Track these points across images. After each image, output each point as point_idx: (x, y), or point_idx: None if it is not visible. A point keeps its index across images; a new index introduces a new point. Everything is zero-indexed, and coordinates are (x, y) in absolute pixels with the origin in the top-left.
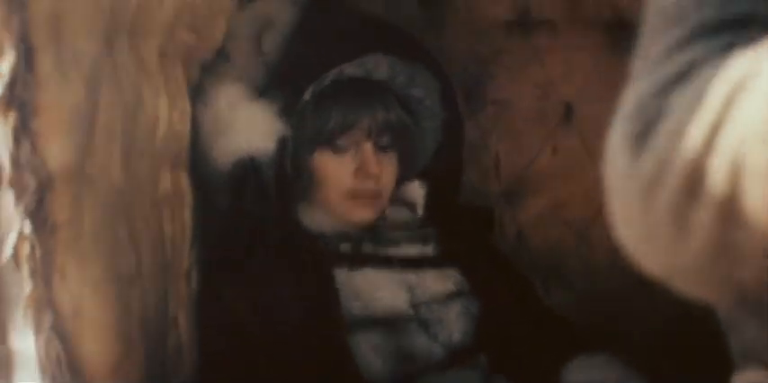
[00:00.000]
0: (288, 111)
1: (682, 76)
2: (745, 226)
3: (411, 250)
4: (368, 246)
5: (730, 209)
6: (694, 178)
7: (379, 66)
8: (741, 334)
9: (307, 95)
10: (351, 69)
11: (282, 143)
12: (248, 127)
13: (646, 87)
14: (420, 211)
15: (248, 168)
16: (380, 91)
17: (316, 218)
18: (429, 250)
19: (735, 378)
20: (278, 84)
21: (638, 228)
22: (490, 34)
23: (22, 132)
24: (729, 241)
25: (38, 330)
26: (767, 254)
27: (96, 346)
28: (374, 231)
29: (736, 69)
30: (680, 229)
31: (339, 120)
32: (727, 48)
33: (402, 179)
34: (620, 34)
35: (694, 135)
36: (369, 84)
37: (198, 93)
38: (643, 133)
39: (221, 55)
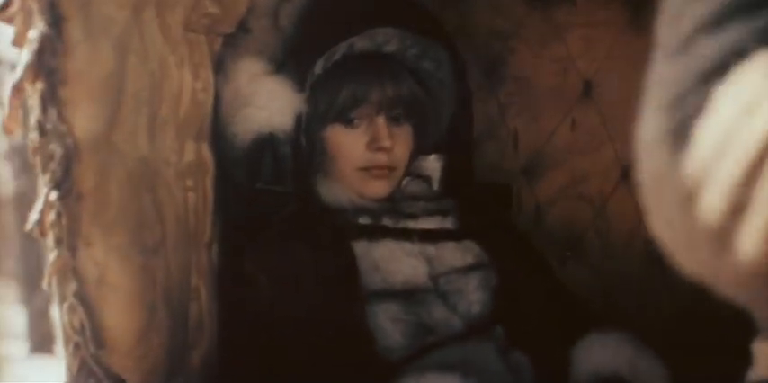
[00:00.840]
0: (302, 86)
1: (721, 67)
2: None
3: (430, 223)
4: (387, 220)
5: None
6: (741, 199)
7: (389, 39)
8: (764, 301)
9: (317, 69)
10: (361, 43)
11: (299, 118)
12: (268, 102)
13: (682, 75)
14: (436, 185)
15: (266, 144)
16: (391, 64)
17: (333, 192)
18: (448, 223)
19: (756, 346)
20: (292, 59)
21: (678, 233)
22: (510, 10)
23: (50, 100)
24: None
25: (62, 298)
26: None
27: (120, 315)
28: (392, 204)
29: None
30: (724, 245)
31: (349, 94)
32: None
33: (418, 152)
34: (640, 10)
35: (744, 150)
36: (379, 57)
37: (219, 67)
38: (682, 129)
39: (242, 28)
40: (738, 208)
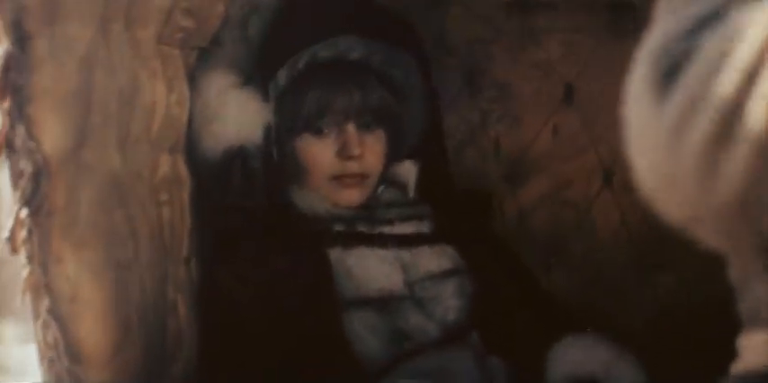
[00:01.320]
0: (268, 97)
1: (713, 17)
2: None
3: (406, 228)
4: (362, 226)
5: (766, 156)
6: (729, 121)
7: (352, 46)
8: (751, 292)
9: (281, 79)
10: (323, 51)
11: (268, 129)
12: (236, 115)
13: (672, 26)
14: (411, 192)
15: (237, 156)
16: (356, 71)
17: (308, 201)
18: (424, 227)
19: (741, 339)
20: (258, 70)
21: (662, 173)
22: (490, 16)
23: (18, 117)
24: (762, 190)
25: (35, 314)
26: None
27: (94, 331)
28: (368, 211)
29: None
30: (708, 174)
31: (314, 103)
32: None
33: (393, 159)
34: (620, 15)
35: (731, 77)
36: (345, 65)
37: (190, 81)
38: (669, 74)
39: (214, 41)
40: (724, 135)
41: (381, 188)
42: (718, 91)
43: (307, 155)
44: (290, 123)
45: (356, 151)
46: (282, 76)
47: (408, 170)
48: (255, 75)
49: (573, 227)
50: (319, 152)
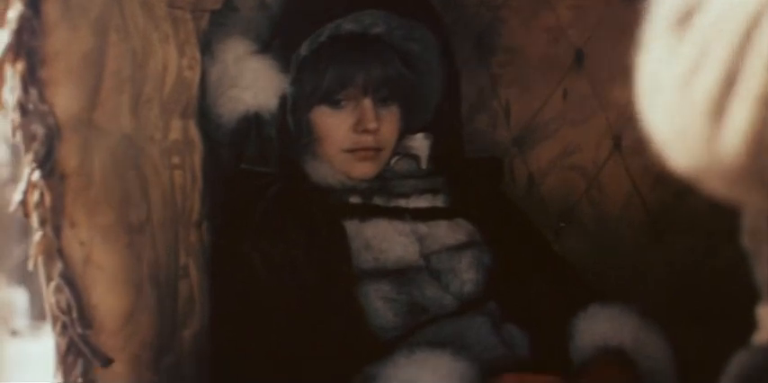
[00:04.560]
0: (287, 67)
1: None
2: None
3: (421, 202)
4: (378, 199)
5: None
6: (733, 71)
7: (375, 21)
8: (766, 263)
9: (303, 50)
10: (347, 25)
11: (284, 99)
12: (253, 82)
13: None
14: (424, 164)
15: (252, 124)
16: (377, 46)
17: (322, 173)
18: (439, 201)
19: (761, 310)
20: (278, 40)
21: (673, 119)
22: None
23: (30, 80)
24: (766, 139)
25: (48, 278)
26: None
27: (107, 294)
28: (382, 183)
29: None
30: (718, 121)
31: (335, 76)
32: None
33: (405, 132)
34: None
35: (734, 26)
36: (366, 39)
37: (206, 47)
38: (685, 17)
39: (229, 6)
40: (731, 80)
41: (395, 159)
42: (721, 43)
43: (322, 127)
44: (308, 94)
45: (373, 125)
46: (305, 47)
47: (421, 143)
48: (275, 44)
49: (582, 193)
50: (335, 124)
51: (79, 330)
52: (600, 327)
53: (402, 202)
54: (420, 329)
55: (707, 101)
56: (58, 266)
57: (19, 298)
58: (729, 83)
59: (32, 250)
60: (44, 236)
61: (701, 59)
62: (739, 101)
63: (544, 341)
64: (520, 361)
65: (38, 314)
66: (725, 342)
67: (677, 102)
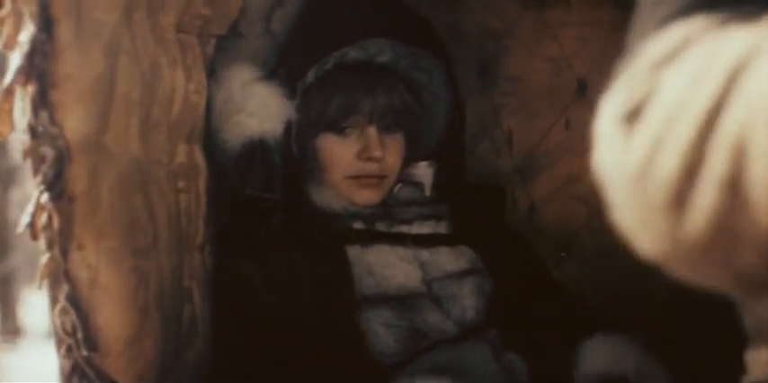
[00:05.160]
0: (293, 94)
1: (677, 52)
2: (749, 210)
3: (424, 228)
4: (380, 224)
5: (732, 193)
6: (693, 160)
7: (381, 49)
8: (752, 310)
9: (309, 78)
10: (353, 53)
11: (289, 125)
12: (259, 109)
13: (638, 62)
14: (428, 191)
15: (257, 150)
16: (383, 75)
17: (326, 199)
18: (442, 228)
19: (749, 355)
20: (284, 66)
21: (633, 212)
22: (504, 10)
23: (41, 103)
24: (730, 225)
25: (54, 300)
26: None
27: (112, 317)
28: (385, 210)
29: (737, 47)
30: (677, 212)
31: (340, 103)
32: (724, 23)
33: (409, 159)
34: (633, 9)
35: (694, 115)
36: (371, 67)
37: (211, 73)
38: (635, 112)
39: (235, 33)
40: (693, 166)
41: (398, 186)
42: (681, 130)
43: (327, 154)
44: (313, 121)
45: (377, 153)
46: (311, 75)
47: (425, 170)
48: (281, 71)
49: (584, 222)
50: (340, 151)
51: (84, 352)
52: (604, 356)
53: (405, 228)
54: (420, 355)
55: (664, 193)
56: (65, 288)
57: None
58: (690, 172)
59: (40, 272)
60: (51, 258)
61: (655, 154)
62: (702, 187)
63: (544, 368)
64: None
65: (10, 329)
66: (727, 371)
67: (633, 195)
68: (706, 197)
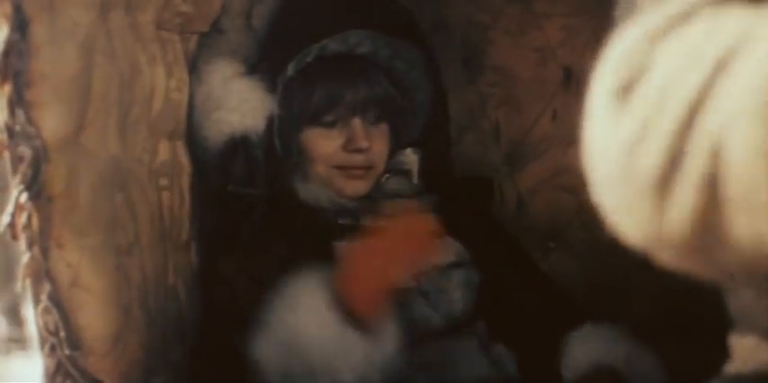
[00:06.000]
0: (274, 88)
1: (675, 25)
2: (728, 210)
3: None
4: (366, 220)
5: (711, 192)
6: (675, 155)
7: (361, 41)
8: (736, 295)
9: (290, 71)
10: (333, 45)
11: (271, 120)
12: (240, 104)
13: (634, 33)
14: (416, 179)
15: (239, 146)
16: (364, 65)
17: (312, 193)
18: None
19: (733, 340)
20: (265, 60)
21: (619, 194)
22: (489, 0)
23: (17, 102)
24: (713, 221)
25: (36, 300)
26: (753, 240)
27: (95, 316)
28: (372, 203)
29: (732, 30)
30: (663, 197)
31: (323, 96)
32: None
33: (395, 148)
34: None
35: (677, 105)
36: (352, 59)
37: (192, 69)
38: (627, 87)
39: (216, 29)
40: (675, 158)
41: (386, 176)
42: (667, 113)
43: (312, 147)
44: (296, 114)
45: (364, 144)
46: (291, 68)
47: (411, 157)
48: (261, 65)
49: (572, 213)
50: (325, 144)
51: (67, 351)
52: (593, 346)
53: None
54: (409, 348)
55: (651, 174)
56: (46, 288)
57: None
58: (673, 161)
59: (21, 272)
60: (32, 257)
61: (644, 132)
62: (684, 181)
63: (532, 360)
64: (509, 380)
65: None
66: (715, 361)
67: (621, 172)
68: (687, 190)
